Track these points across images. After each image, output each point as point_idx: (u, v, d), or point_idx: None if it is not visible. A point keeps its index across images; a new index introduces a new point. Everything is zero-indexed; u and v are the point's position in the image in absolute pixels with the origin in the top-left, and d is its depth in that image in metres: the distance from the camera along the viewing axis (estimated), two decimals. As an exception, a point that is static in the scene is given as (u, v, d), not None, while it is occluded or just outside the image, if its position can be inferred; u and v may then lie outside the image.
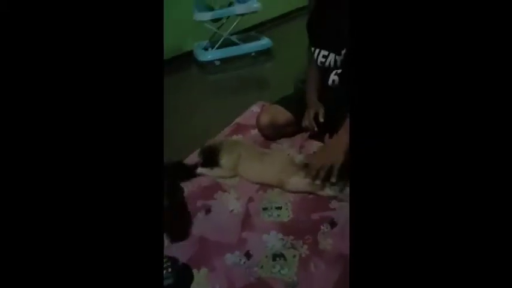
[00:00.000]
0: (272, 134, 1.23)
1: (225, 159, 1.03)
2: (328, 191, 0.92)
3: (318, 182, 0.90)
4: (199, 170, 1.06)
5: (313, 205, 0.92)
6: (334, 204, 0.92)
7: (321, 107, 1.11)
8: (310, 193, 0.94)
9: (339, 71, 1.08)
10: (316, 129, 1.09)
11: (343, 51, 1.03)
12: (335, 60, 1.07)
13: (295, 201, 0.94)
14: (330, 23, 1.05)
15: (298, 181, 0.94)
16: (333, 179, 0.88)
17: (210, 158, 1.04)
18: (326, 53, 1.09)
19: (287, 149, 1.18)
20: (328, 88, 1.12)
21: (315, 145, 1.18)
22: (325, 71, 1.11)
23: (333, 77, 1.10)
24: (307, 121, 1.11)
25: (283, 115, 1.20)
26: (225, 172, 1.03)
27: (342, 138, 0.90)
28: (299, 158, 1.00)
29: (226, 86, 2.05)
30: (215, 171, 1.04)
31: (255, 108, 1.47)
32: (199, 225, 0.88)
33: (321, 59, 1.10)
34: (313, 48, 1.13)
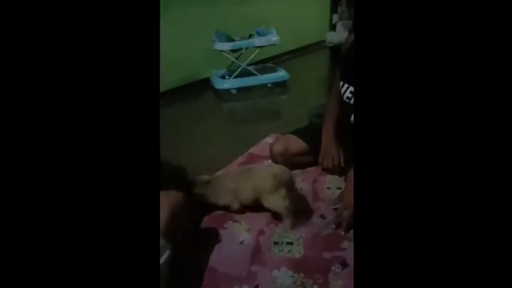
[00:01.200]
0: (285, 163, 1.28)
1: (227, 193, 1.04)
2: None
3: (340, 229, 0.97)
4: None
5: (325, 243, 0.95)
6: (345, 244, 0.94)
7: (339, 151, 1.15)
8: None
9: None
10: (338, 175, 1.13)
11: None
12: None
13: (307, 238, 0.97)
14: None
15: (276, 200, 0.98)
16: (343, 230, 0.96)
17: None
18: (352, 89, 1.12)
19: (299, 183, 1.23)
20: (351, 125, 1.15)
21: (329, 180, 1.23)
22: (349, 107, 1.14)
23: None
24: (326, 162, 1.16)
25: (297, 144, 1.26)
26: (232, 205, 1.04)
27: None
28: (279, 175, 1.00)
29: (241, 115, 2.15)
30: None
31: (269, 140, 1.54)
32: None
33: (348, 94, 1.13)
34: (341, 83, 1.17)
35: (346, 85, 1.16)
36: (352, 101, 1.13)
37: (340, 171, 1.16)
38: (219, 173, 1.25)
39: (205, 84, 2.53)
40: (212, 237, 0.97)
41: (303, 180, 1.25)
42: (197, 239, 0.96)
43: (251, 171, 1.05)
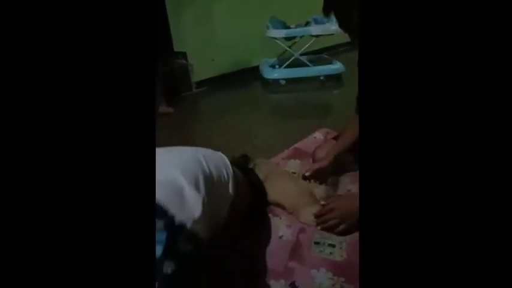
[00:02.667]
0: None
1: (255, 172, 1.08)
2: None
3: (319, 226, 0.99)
4: None
5: (371, 250, 0.94)
6: (395, 254, 0.93)
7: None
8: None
9: None
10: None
11: None
12: None
13: (351, 242, 0.97)
14: None
15: (309, 213, 1.00)
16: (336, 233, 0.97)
17: (241, 167, 1.06)
18: None
19: (347, 185, 1.22)
20: None
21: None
22: None
23: None
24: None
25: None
26: None
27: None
28: (319, 190, 1.04)
29: (289, 108, 2.17)
30: None
31: (318, 135, 1.54)
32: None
33: None
34: None
35: None
36: None
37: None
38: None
39: (254, 72, 2.58)
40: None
41: (351, 183, 1.24)
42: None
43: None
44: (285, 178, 1.09)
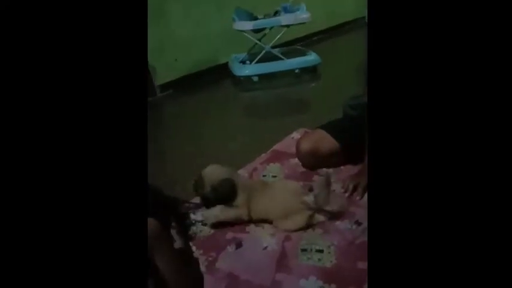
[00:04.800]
0: (314, 163, 1.33)
1: (240, 197, 1.08)
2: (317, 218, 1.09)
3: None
4: (204, 213, 1.11)
5: (360, 252, 0.99)
6: (385, 254, 0.98)
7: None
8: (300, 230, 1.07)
9: None
10: (359, 198, 1.19)
11: None
12: None
13: (340, 246, 1.01)
14: None
15: (298, 219, 1.06)
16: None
17: (226, 193, 1.07)
18: None
19: (332, 184, 1.27)
20: None
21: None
22: None
23: None
24: (350, 181, 1.22)
25: (328, 143, 1.30)
26: (241, 212, 1.08)
27: None
28: (309, 197, 1.07)
29: (264, 106, 2.20)
30: (228, 212, 1.08)
31: (296, 136, 1.58)
32: (229, 260, 0.98)
33: None
34: None
35: None
36: None
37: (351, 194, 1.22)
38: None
39: (223, 70, 2.59)
40: (232, 244, 1.03)
41: (335, 182, 1.29)
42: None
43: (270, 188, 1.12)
44: (267, 193, 1.11)
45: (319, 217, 1.10)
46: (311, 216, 1.08)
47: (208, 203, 1.12)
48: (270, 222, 1.09)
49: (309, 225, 1.08)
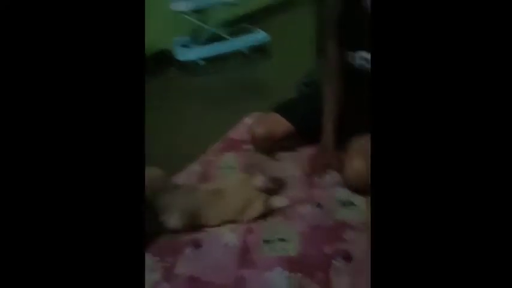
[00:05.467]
0: (268, 148, 1.32)
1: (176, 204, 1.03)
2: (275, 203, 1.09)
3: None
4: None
5: (325, 236, 0.99)
6: (349, 234, 0.99)
7: (336, 156, 1.20)
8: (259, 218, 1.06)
9: None
10: (318, 178, 1.21)
11: None
12: None
13: (304, 232, 1.01)
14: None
15: (255, 207, 1.05)
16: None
17: None
18: (365, 53, 1.10)
19: (290, 170, 1.26)
20: (367, 91, 1.16)
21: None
22: (362, 74, 1.12)
23: None
24: (308, 163, 1.22)
25: (282, 126, 1.28)
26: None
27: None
28: (259, 180, 1.07)
29: (214, 91, 2.14)
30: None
31: (250, 121, 1.55)
32: (188, 263, 0.94)
33: (359, 61, 1.12)
34: (346, 53, 1.16)
35: (352, 52, 1.14)
36: (369, 66, 1.10)
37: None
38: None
39: (165, 56, 2.48)
40: (191, 245, 0.99)
41: (294, 165, 1.28)
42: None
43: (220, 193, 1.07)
44: (219, 198, 1.06)
45: (277, 199, 1.10)
46: (267, 200, 1.07)
47: None
48: (232, 222, 1.06)
49: (268, 210, 1.07)
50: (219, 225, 1.04)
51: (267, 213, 1.07)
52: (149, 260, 0.94)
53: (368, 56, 1.10)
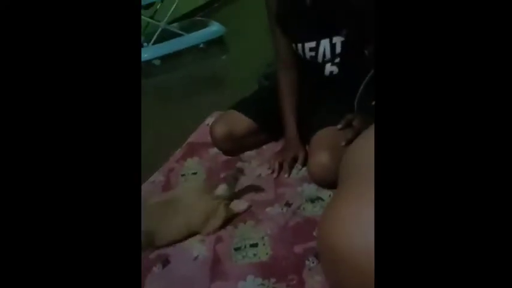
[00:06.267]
0: (232, 148, 1.30)
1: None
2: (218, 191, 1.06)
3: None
4: None
5: (295, 235, 0.99)
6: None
7: (302, 149, 1.20)
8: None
9: (337, 59, 1.11)
10: (286, 175, 1.19)
11: (344, 31, 1.06)
12: (331, 47, 1.10)
13: (273, 234, 1.01)
14: (313, 4, 1.06)
15: (220, 213, 1.03)
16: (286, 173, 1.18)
17: None
18: (313, 44, 1.11)
19: (256, 169, 1.25)
20: (325, 81, 1.17)
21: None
22: (315, 65, 1.14)
23: (330, 68, 1.14)
24: (274, 160, 1.22)
25: (242, 123, 1.26)
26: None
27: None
28: (220, 189, 1.05)
29: (173, 91, 2.09)
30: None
31: (211, 121, 1.52)
32: (157, 283, 0.92)
33: (309, 53, 1.13)
34: (294, 45, 1.16)
35: (300, 45, 1.14)
36: (319, 57, 1.12)
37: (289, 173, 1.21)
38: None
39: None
40: (158, 263, 0.96)
41: (260, 165, 1.27)
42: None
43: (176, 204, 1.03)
44: (176, 210, 1.02)
45: (239, 203, 1.09)
46: (228, 205, 1.06)
47: None
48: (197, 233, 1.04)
49: (232, 215, 1.06)
50: (183, 240, 1.02)
51: (231, 219, 1.06)
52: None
53: (313, 44, 1.12)
